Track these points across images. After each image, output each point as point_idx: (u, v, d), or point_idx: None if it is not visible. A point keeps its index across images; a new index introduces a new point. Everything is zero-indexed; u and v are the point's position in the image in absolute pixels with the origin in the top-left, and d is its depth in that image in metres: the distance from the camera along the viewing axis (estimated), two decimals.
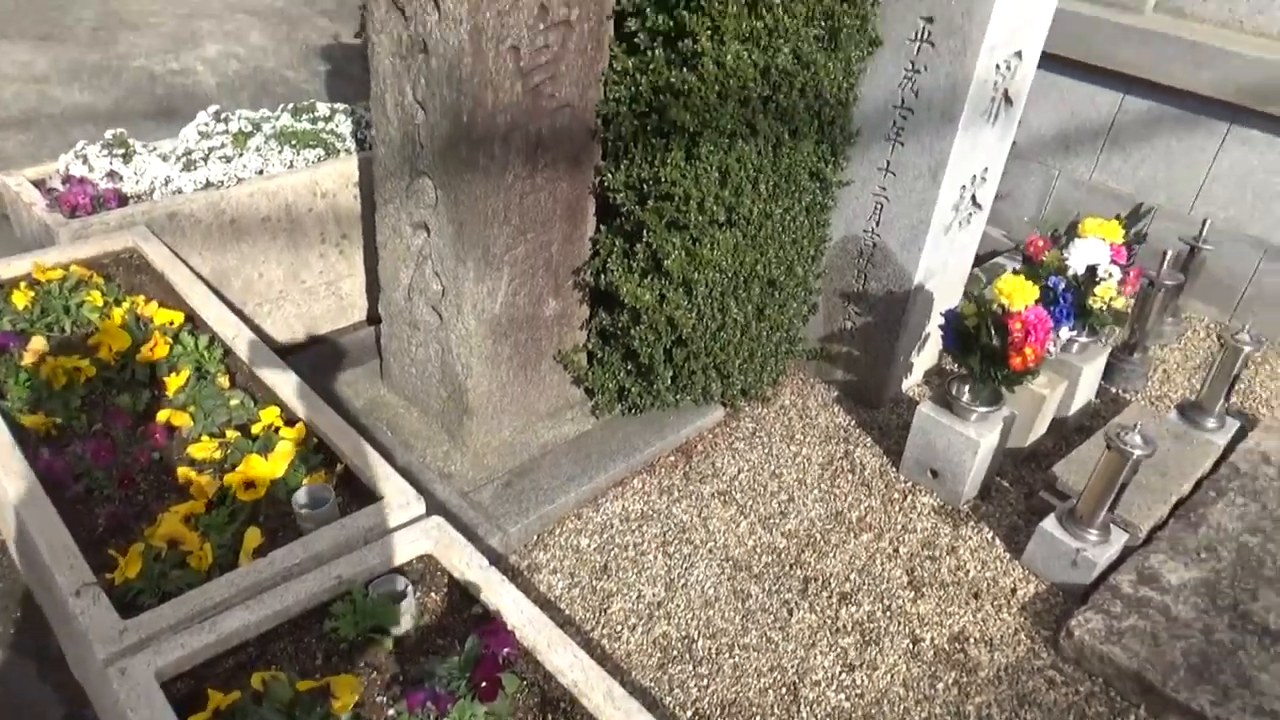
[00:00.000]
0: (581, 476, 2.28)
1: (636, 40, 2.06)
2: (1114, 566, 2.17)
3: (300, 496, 1.57)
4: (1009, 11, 2.19)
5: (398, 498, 1.62)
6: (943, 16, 2.22)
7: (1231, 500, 2.40)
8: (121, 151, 2.67)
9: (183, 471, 1.61)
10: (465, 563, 1.54)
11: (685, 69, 1.99)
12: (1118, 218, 3.18)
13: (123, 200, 2.52)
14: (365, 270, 2.93)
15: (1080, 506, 2.16)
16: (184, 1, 6.66)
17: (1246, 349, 2.47)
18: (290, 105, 3.05)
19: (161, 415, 1.73)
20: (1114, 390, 2.95)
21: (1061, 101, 3.62)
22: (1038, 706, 1.91)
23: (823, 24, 2.12)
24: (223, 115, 2.94)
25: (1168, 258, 2.86)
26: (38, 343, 1.86)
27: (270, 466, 1.62)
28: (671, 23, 1.99)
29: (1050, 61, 3.53)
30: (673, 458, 2.45)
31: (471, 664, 1.33)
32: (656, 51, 2.03)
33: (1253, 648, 1.97)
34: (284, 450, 1.65)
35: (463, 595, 1.51)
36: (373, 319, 2.97)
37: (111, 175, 2.57)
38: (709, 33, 1.96)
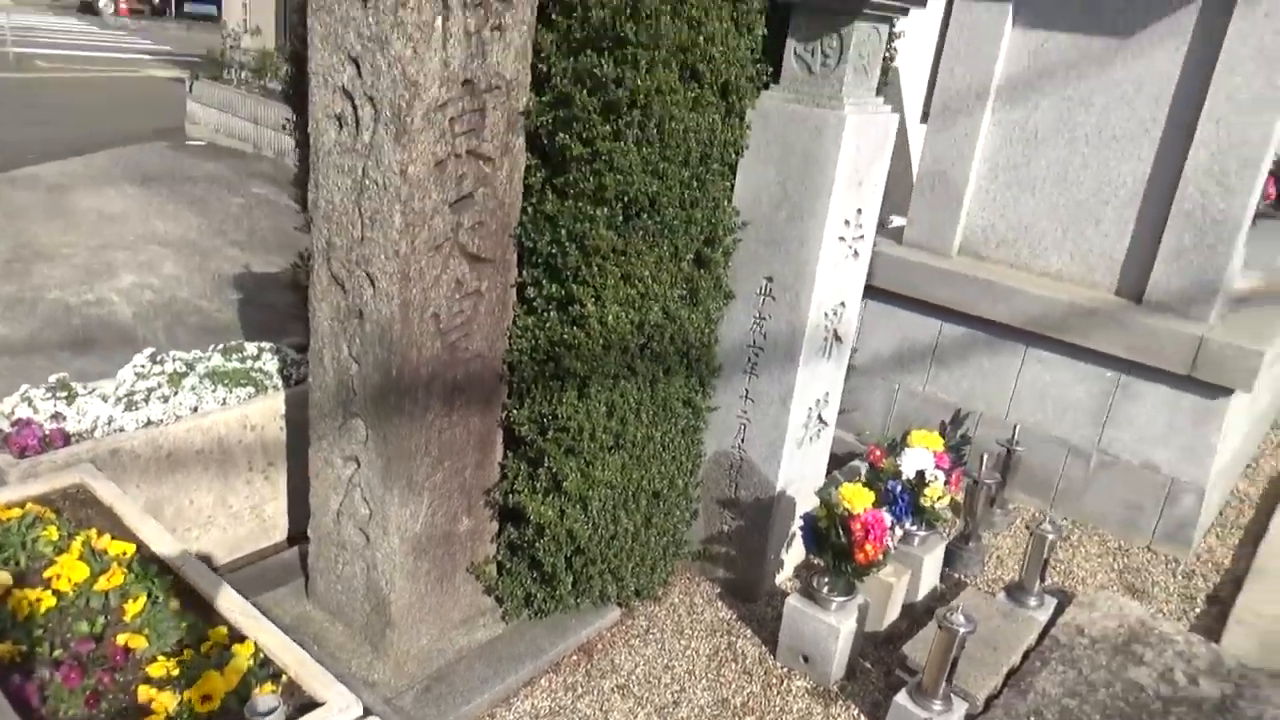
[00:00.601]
0: (494, 679, 2.52)
1: (535, 304, 2.53)
2: None
3: (253, 706, 1.80)
4: (828, 276, 2.77)
5: (339, 701, 1.86)
6: (779, 278, 2.79)
7: (1053, 669, 2.81)
8: (64, 394, 2.94)
9: (144, 690, 1.82)
10: None
11: (575, 327, 2.46)
12: (942, 424, 3.76)
13: (67, 439, 2.76)
14: (288, 493, 3.19)
15: (925, 680, 2.53)
16: (96, 233, 7.03)
17: (1050, 537, 2.97)
18: (220, 346, 3.39)
19: (120, 638, 1.94)
20: (956, 575, 3.40)
21: (896, 328, 4.29)
22: None
23: (685, 286, 2.65)
24: (158, 357, 3.25)
25: (985, 460, 3.40)
26: (2, 577, 2.06)
27: (224, 681, 1.84)
28: (563, 291, 2.48)
29: (885, 295, 4.23)
30: (575, 656, 2.73)
31: None
32: (551, 313, 2.50)
33: None
34: (236, 665, 1.88)
35: None
36: (293, 540, 3.20)
37: (56, 416, 2.82)
38: (593, 299, 2.45)
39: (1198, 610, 3.36)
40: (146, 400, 2.92)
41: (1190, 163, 3.53)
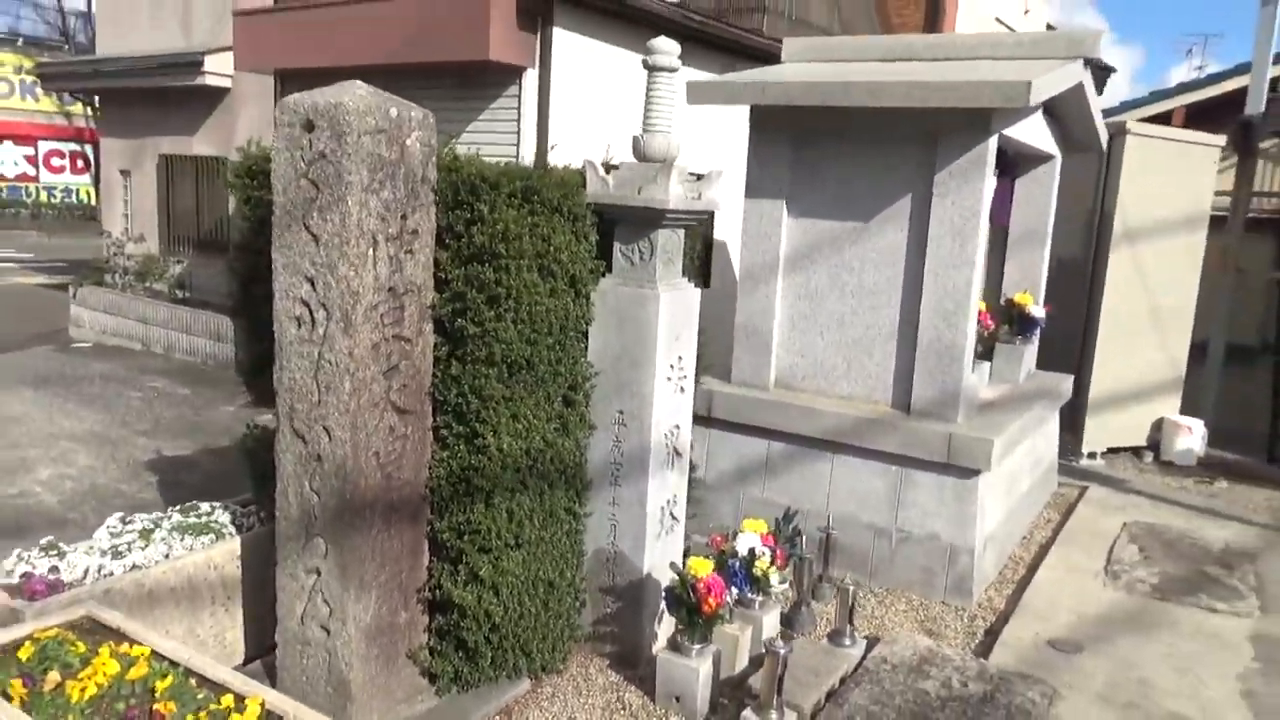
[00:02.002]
0: None
1: (447, 440, 3.41)
2: None
3: None
4: (663, 407, 3.77)
5: None
6: (628, 410, 3.77)
7: (864, 687, 3.71)
8: (55, 552, 3.56)
9: None
10: None
11: (479, 454, 3.34)
12: (775, 520, 4.73)
13: (64, 586, 3.38)
14: (244, 621, 3.83)
15: (762, 698, 3.38)
16: (3, 434, 7.45)
17: (851, 589, 3.93)
18: (180, 506, 4.07)
19: (156, 706, 2.61)
20: (794, 634, 4.29)
21: (736, 450, 5.31)
22: None
23: (558, 421, 3.59)
24: (127, 519, 3.91)
25: (804, 541, 4.37)
26: (53, 676, 2.70)
27: None
28: (468, 429, 3.37)
29: (725, 424, 5.27)
30: (498, 716, 3.44)
31: None
32: (460, 446, 3.38)
33: None
34: (252, 709, 2.57)
35: None
36: (249, 660, 3.81)
37: (53, 569, 3.45)
38: (491, 433, 3.35)
39: (977, 641, 4.35)
40: (129, 549, 3.58)
41: (924, 307, 4.80)
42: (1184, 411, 7.81)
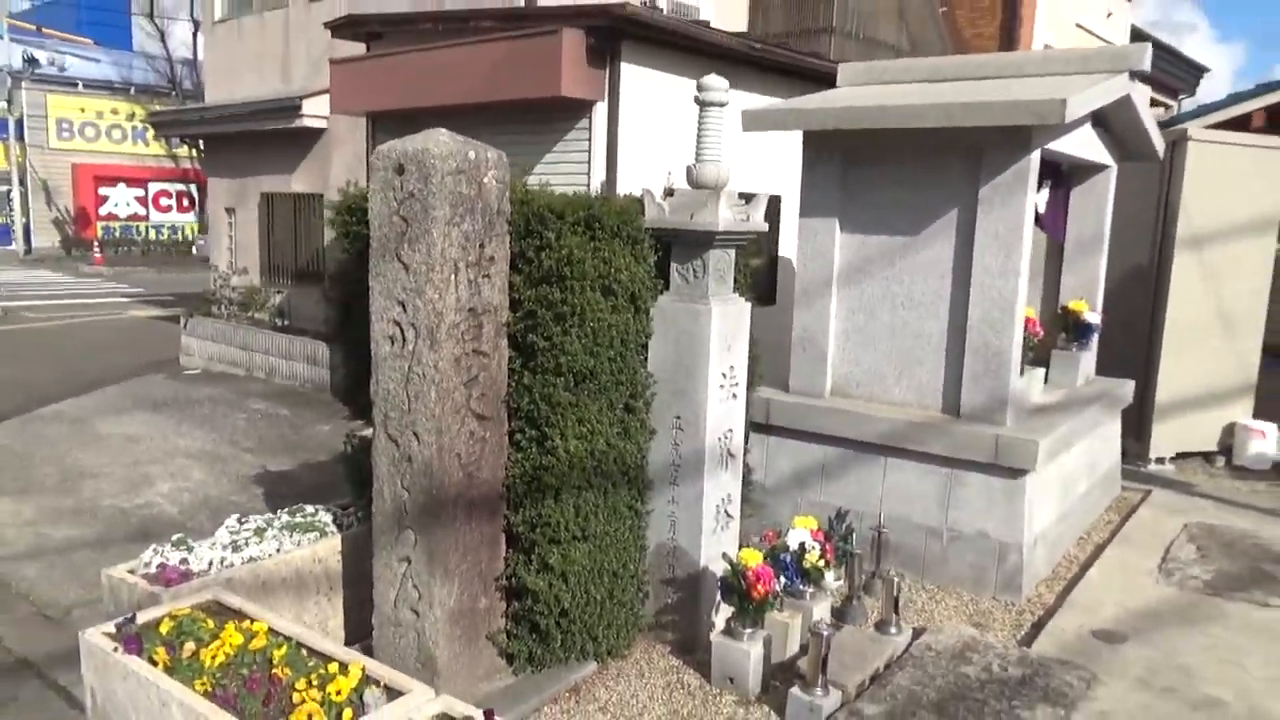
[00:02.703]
0: (514, 707, 3.60)
1: (521, 443, 3.81)
2: (837, 711, 3.63)
3: (366, 696, 2.91)
4: (717, 412, 4.10)
5: (420, 690, 2.98)
6: (685, 416, 4.11)
7: (907, 671, 3.95)
8: (185, 547, 4.09)
9: (297, 694, 2.93)
10: (463, 714, 2.88)
11: (549, 455, 3.74)
12: (829, 520, 5.00)
13: (193, 575, 3.90)
14: (344, 610, 4.29)
15: (808, 676, 3.66)
16: (126, 453, 8.20)
17: (895, 579, 4.18)
18: (289, 508, 4.57)
19: (276, 671, 3.05)
20: (844, 625, 4.54)
21: (793, 456, 5.60)
22: None
23: (620, 426, 3.96)
24: (243, 519, 4.42)
25: (856, 540, 4.63)
26: (189, 646, 3.18)
27: (347, 683, 2.95)
28: (539, 433, 3.77)
29: (783, 431, 5.56)
30: (567, 693, 3.81)
31: None
32: (532, 447, 3.78)
33: None
34: (354, 673, 2.99)
35: None
36: (347, 645, 4.26)
37: (183, 561, 3.97)
38: (559, 436, 3.74)
39: (1022, 633, 4.53)
40: (246, 544, 4.08)
41: (971, 316, 5.02)
42: (1257, 416, 7.74)
